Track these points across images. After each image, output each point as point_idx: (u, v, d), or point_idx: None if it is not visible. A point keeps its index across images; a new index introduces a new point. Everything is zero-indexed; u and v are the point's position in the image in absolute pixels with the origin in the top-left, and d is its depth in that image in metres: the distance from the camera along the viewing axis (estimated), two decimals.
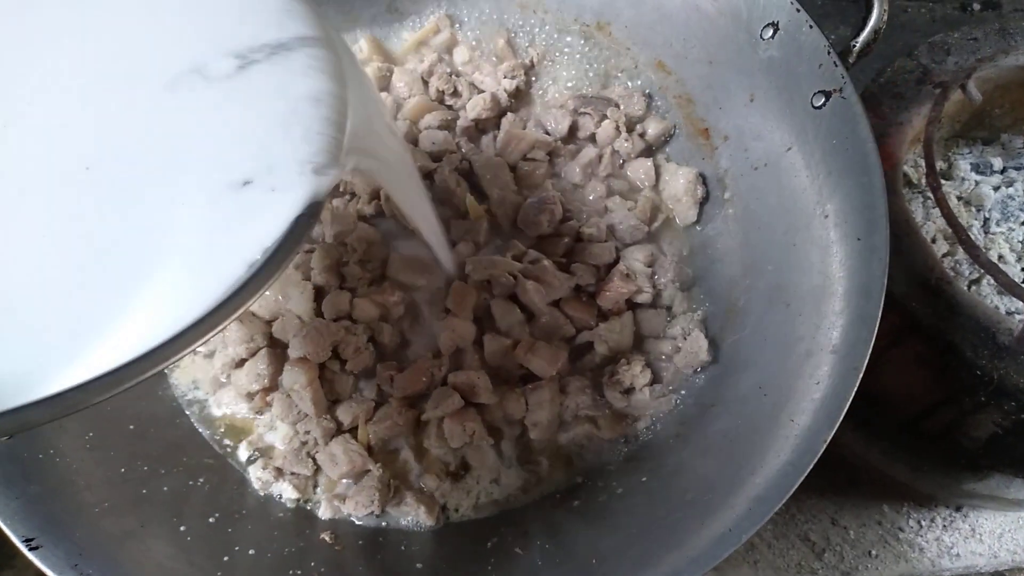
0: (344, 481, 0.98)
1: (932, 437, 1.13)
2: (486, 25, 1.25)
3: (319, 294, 1.05)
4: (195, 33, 0.59)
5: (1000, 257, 1.19)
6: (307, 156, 0.54)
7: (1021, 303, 1.06)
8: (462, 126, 1.18)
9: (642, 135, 1.17)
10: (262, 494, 0.98)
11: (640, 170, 1.16)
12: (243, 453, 1.01)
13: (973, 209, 1.23)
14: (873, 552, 1.26)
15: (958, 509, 1.29)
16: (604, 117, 1.17)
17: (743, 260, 1.06)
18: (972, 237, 1.17)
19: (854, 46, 0.96)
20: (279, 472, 0.98)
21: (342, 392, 1.02)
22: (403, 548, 0.95)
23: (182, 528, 0.89)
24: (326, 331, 1.00)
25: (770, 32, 1.00)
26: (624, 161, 1.18)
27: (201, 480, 0.97)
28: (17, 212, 0.53)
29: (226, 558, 0.87)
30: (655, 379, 1.02)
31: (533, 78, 1.24)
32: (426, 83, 1.21)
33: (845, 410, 0.79)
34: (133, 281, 0.50)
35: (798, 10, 0.97)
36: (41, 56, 0.58)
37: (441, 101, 1.21)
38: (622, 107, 1.17)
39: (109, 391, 0.48)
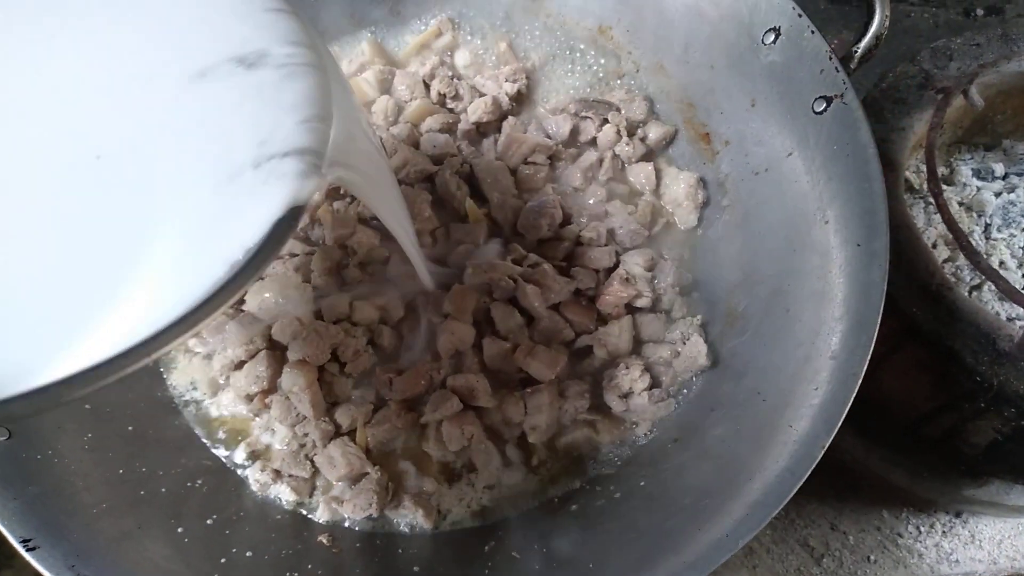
0: (342, 484, 0.98)
1: (932, 443, 1.13)
2: (488, 29, 1.25)
3: (319, 296, 1.05)
4: (184, 42, 0.60)
5: (1001, 263, 1.18)
6: (289, 165, 0.55)
7: (1022, 309, 1.06)
8: (463, 129, 1.18)
9: (643, 139, 1.17)
10: (260, 496, 0.98)
11: (641, 174, 1.16)
12: (241, 455, 1.01)
13: (975, 215, 1.23)
14: (872, 558, 1.26)
15: (958, 515, 1.29)
16: (605, 121, 1.17)
17: (743, 265, 1.06)
18: (973, 243, 1.17)
19: (856, 51, 0.96)
20: (277, 474, 0.98)
21: (341, 394, 1.02)
22: (400, 551, 0.95)
23: (180, 529, 0.89)
24: (325, 333, 1.00)
25: (772, 37, 1.00)
26: (625, 165, 1.17)
27: (199, 482, 0.97)
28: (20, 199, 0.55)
29: (223, 560, 0.87)
30: (654, 383, 1.02)
31: (535, 82, 1.24)
32: (428, 86, 1.21)
33: (844, 416, 0.79)
34: (118, 277, 0.52)
35: (800, 15, 0.96)
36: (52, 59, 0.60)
37: (442, 104, 1.21)
38: (623, 111, 1.17)
39: (90, 386, 0.49)
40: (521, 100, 1.22)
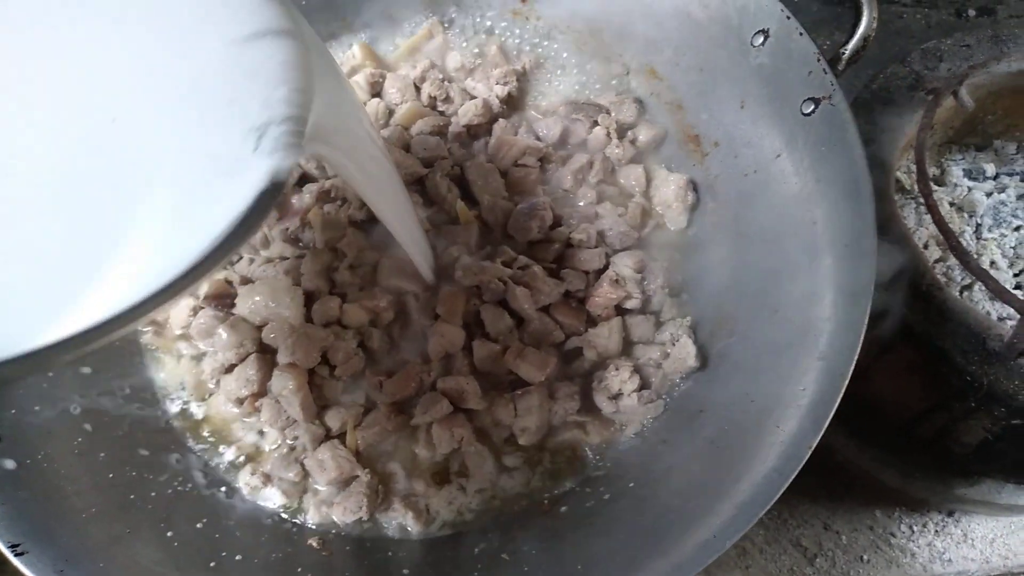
0: (332, 487, 0.98)
1: (924, 443, 1.13)
2: (479, 31, 1.26)
3: (309, 299, 1.05)
4: (175, 25, 0.62)
5: (992, 263, 1.19)
6: (268, 143, 0.56)
7: (1012, 309, 1.06)
8: (454, 132, 1.18)
9: (633, 141, 1.18)
10: (250, 500, 0.98)
11: (631, 176, 1.16)
12: (231, 458, 1.01)
13: (966, 215, 1.23)
14: (865, 557, 1.26)
15: (950, 514, 1.29)
16: (595, 123, 1.17)
17: (732, 266, 1.06)
18: (964, 243, 1.17)
19: (843, 53, 0.96)
20: (267, 478, 0.98)
21: (331, 397, 1.02)
22: (391, 554, 0.95)
23: (169, 533, 0.89)
24: (315, 336, 1.00)
25: (760, 39, 1.00)
26: (615, 167, 1.18)
27: (189, 485, 0.97)
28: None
29: (213, 564, 0.87)
30: (643, 385, 1.02)
31: (525, 84, 1.24)
32: (418, 89, 1.21)
33: (831, 416, 0.79)
34: (107, 248, 0.53)
35: (788, 17, 0.97)
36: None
37: (433, 107, 1.21)
38: (613, 113, 1.17)
39: (73, 351, 0.50)
40: (512, 103, 1.22)
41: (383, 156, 0.87)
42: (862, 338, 0.81)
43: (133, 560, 0.84)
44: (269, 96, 0.58)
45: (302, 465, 0.98)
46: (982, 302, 1.13)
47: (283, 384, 0.98)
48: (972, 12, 1.71)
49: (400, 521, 0.97)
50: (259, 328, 1.03)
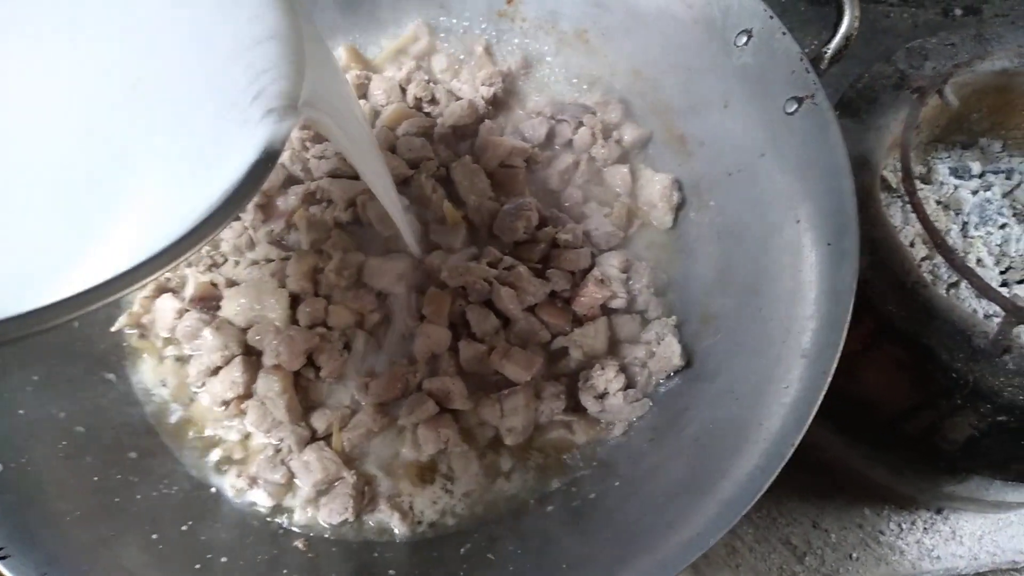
0: (318, 488, 0.98)
1: (912, 440, 1.13)
2: (465, 33, 1.26)
3: (295, 301, 1.05)
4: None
5: (979, 260, 1.19)
6: (262, 107, 0.58)
7: (997, 306, 1.06)
8: (439, 133, 1.18)
9: (619, 141, 1.18)
10: (236, 502, 0.98)
11: (617, 176, 1.16)
12: (217, 461, 1.01)
13: (952, 213, 1.23)
14: (854, 555, 1.27)
15: (938, 511, 1.29)
16: (581, 124, 1.18)
17: (717, 265, 1.07)
18: (950, 241, 1.18)
19: (825, 52, 0.96)
20: (253, 480, 0.98)
21: (317, 399, 1.03)
22: (376, 555, 0.95)
23: (154, 536, 0.89)
24: (301, 338, 1.00)
25: (744, 39, 1.00)
26: (601, 167, 1.18)
27: (175, 488, 0.96)
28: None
29: (198, 566, 0.87)
30: (629, 384, 1.02)
31: (511, 85, 1.24)
32: (404, 90, 1.22)
33: (814, 414, 0.79)
34: (108, 210, 0.55)
35: (771, 17, 0.97)
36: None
37: (419, 108, 1.21)
38: (599, 114, 1.18)
39: (75, 312, 0.51)
40: (497, 104, 1.22)
41: (364, 122, 0.89)
42: (844, 336, 0.81)
43: (117, 563, 0.84)
44: (266, 60, 0.60)
45: (288, 467, 0.98)
46: (968, 300, 1.14)
47: (269, 386, 0.98)
48: (958, 11, 1.72)
49: (386, 522, 0.97)
50: (245, 330, 1.04)
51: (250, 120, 0.58)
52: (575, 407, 1.03)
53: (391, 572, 0.92)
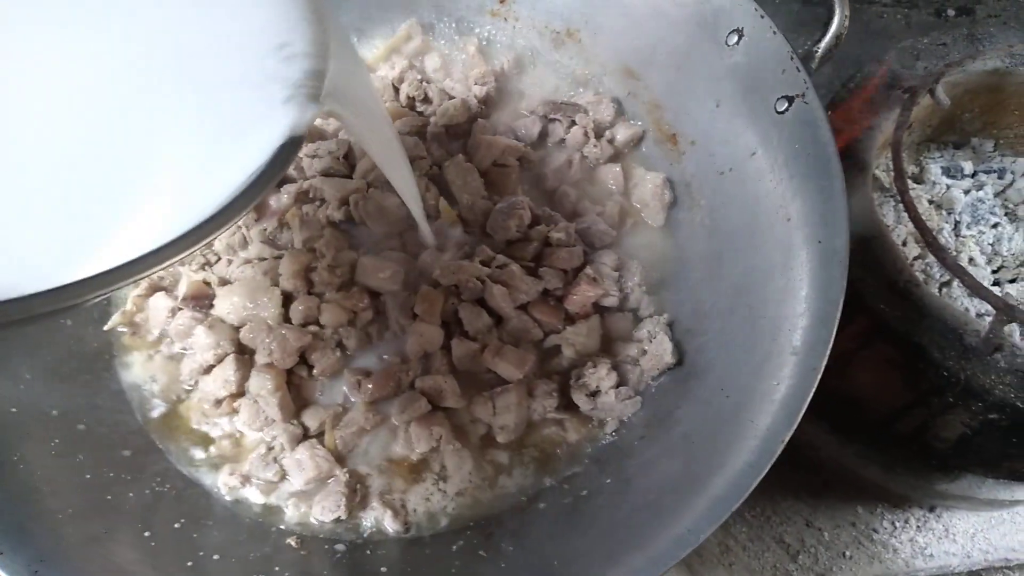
0: (310, 486, 0.98)
1: (904, 438, 1.13)
2: (457, 32, 1.26)
3: (287, 300, 1.05)
4: None
5: (971, 259, 1.19)
6: (286, 94, 0.60)
7: (989, 305, 1.07)
8: (432, 132, 1.18)
9: (611, 141, 1.18)
10: (228, 500, 0.98)
11: (609, 175, 1.17)
12: (210, 459, 1.01)
13: (944, 212, 1.24)
14: (847, 553, 1.27)
15: (931, 510, 1.30)
16: (573, 123, 1.18)
17: (709, 263, 1.07)
18: (943, 240, 1.18)
19: (816, 51, 0.97)
20: (245, 478, 0.98)
21: (309, 397, 1.03)
22: (368, 552, 0.95)
23: (147, 534, 0.89)
24: (294, 337, 1.00)
25: (735, 38, 1.01)
26: (593, 166, 1.18)
27: (168, 486, 0.96)
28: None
29: (190, 563, 0.87)
30: (621, 382, 1.02)
31: (503, 85, 1.24)
32: (397, 90, 1.22)
33: (804, 410, 0.79)
34: (135, 193, 0.56)
35: (762, 16, 0.98)
36: None
37: (412, 107, 1.21)
38: (591, 113, 1.18)
39: (100, 290, 0.52)
40: (490, 103, 1.22)
41: (384, 114, 0.93)
42: (834, 333, 0.81)
43: (110, 560, 0.83)
44: (291, 51, 0.62)
45: (280, 465, 0.98)
46: (960, 298, 1.14)
47: (261, 384, 0.99)
48: (951, 12, 1.72)
49: (378, 519, 0.97)
50: (237, 329, 1.04)
51: (276, 104, 0.59)
52: (567, 405, 1.03)
53: (383, 570, 0.92)
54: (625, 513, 0.88)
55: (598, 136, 1.18)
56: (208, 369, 1.02)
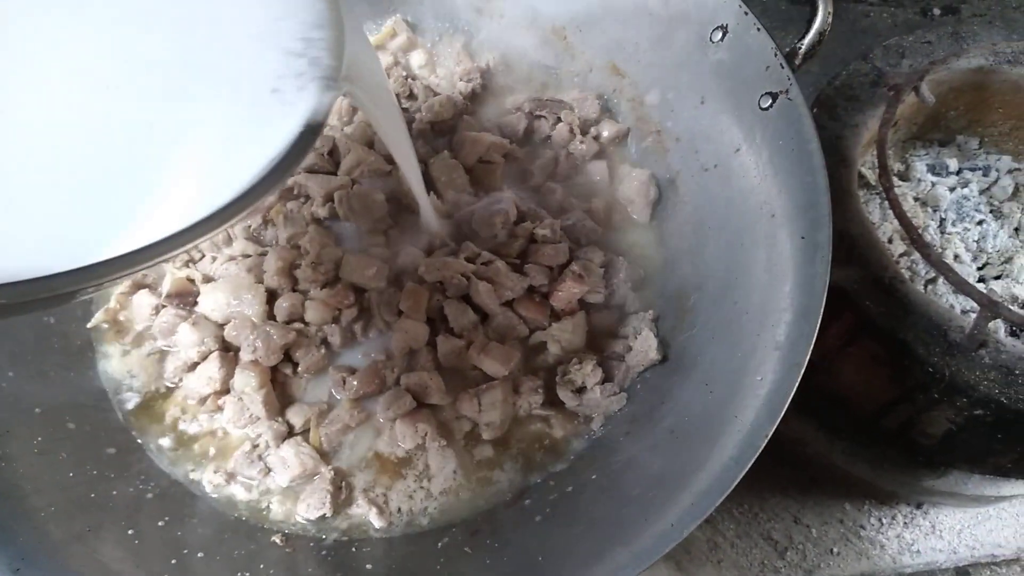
0: (295, 484, 0.97)
1: (891, 435, 1.14)
2: (443, 29, 1.26)
3: (272, 297, 1.05)
4: None
5: (956, 256, 1.20)
6: (306, 79, 0.62)
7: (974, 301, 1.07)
8: (418, 128, 1.18)
9: (596, 137, 1.19)
10: (213, 497, 0.98)
11: (594, 172, 1.17)
12: (194, 456, 1.00)
13: (930, 209, 1.24)
14: (835, 550, 1.27)
15: (919, 506, 1.30)
16: (559, 120, 1.18)
17: (694, 260, 1.07)
18: (928, 237, 1.18)
19: (799, 48, 0.97)
20: (230, 475, 0.97)
21: (294, 395, 1.03)
22: (354, 550, 0.94)
23: (130, 531, 0.88)
24: (278, 334, 1.00)
25: (719, 35, 1.01)
26: (579, 163, 1.18)
27: (152, 484, 0.96)
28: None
29: (174, 561, 0.87)
30: (606, 378, 1.02)
31: (489, 81, 1.24)
32: None
33: (787, 405, 0.79)
34: (159, 177, 0.58)
35: (746, 13, 0.98)
36: None
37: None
38: (577, 110, 1.18)
39: (124, 271, 0.54)
40: (476, 99, 1.23)
41: (393, 99, 0.96)
42: (818, 327, 0.81)
43: (93, 558, 0.83)
44: (309, 37, 0.64)
45: (265, 462, 0.98)
46: (946, 295, 1.15)
47: (246, 382, 0.98)
48: (937, 11, 1.73)
49: (363, 517, 0.97)
50: (222, 326, 1.04)
51: (296, 89, 0.61)
52: (553, 401, 1.03)
53: (368, 567, 0.91)
54: (610, 509, 0.88)
55: (583, 133, 1.18)
56: (192, 366, 1.02)
